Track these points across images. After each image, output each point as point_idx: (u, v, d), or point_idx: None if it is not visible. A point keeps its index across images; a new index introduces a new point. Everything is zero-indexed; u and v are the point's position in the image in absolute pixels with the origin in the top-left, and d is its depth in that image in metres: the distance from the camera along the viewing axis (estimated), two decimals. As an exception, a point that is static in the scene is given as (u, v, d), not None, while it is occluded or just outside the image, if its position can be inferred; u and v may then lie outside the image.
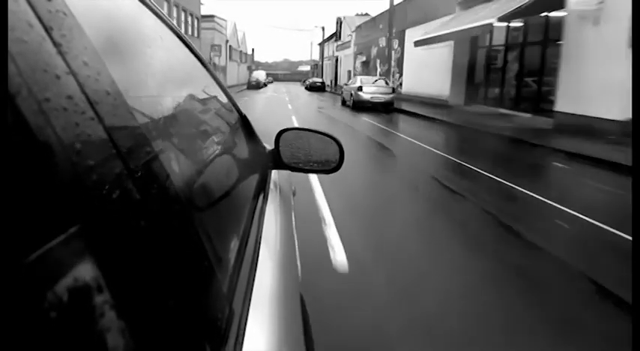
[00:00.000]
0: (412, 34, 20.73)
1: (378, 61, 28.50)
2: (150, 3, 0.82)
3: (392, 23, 21.55)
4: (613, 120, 8.39)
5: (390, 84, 17.84)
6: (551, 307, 2.60)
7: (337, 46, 46.82)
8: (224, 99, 1.23)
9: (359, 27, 35.29)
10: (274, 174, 1.47)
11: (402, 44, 21.49)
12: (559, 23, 10.62)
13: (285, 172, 1.59)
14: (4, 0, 0.30)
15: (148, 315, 0.37)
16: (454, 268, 3.13)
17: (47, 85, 0.32)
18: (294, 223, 1.41)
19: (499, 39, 14.93)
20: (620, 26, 8.22)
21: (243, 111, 1.45)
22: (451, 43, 16.53)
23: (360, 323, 2.36)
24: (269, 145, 1.50)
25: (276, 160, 1.41)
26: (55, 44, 0.35)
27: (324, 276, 2.90)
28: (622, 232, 3.69)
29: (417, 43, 16.64)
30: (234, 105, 1.34)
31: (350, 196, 5.21)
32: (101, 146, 0.37)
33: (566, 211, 4.39)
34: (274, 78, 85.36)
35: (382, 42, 27.52)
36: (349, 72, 39.18)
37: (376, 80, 17.87)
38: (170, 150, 0.59)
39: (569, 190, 5.59)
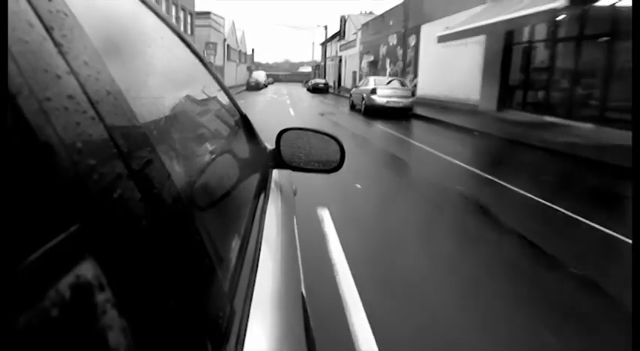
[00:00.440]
0: (429, 30, 18.30)
1: (388, 60, 26.08)
2: (150, 3, 0.81)
3: (408, 16, 19.08)
4: None
5: (408, 86, 15.38)
6: None
7: (341, 46, 44.43)
8: (225, 98, 1.23)
9: (365, 25, 32.88)
10: (275, 173, 1.47)
11: (416, 42, 19.02)
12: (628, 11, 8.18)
13: (286, 172, 1.57)
14: (5, 0, 0.30)
15: (149, 314, 0.37)
16: None
17: (48, 84, 0.32)
18: (295, 222, 1.40)
19: (543, 33, 12.49)
20: None
21: None
22: (482, 39, 14.10)
23: None
24: (270, 145, 1.49)
25: (277, 160, 1.41)
26: (56, 44, 0.35)
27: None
28: None
29: (442, 39, 14.18)
30: (235, 104, 1.34)
31: (373, 244, 3.55)
32: (102, 146, 0.36)
33: None
34: (275, 79, 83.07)
35: (393, 40, 25.11)
36: (354, 73, 36.74)
37: (390, 81, 15.43)
38: (171, 149, 0.59)
39: None
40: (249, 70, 63.54)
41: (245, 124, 1.33)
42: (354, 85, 18.65)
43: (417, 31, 20.22)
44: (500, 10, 11.54)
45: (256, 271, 0.75)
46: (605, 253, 3.43)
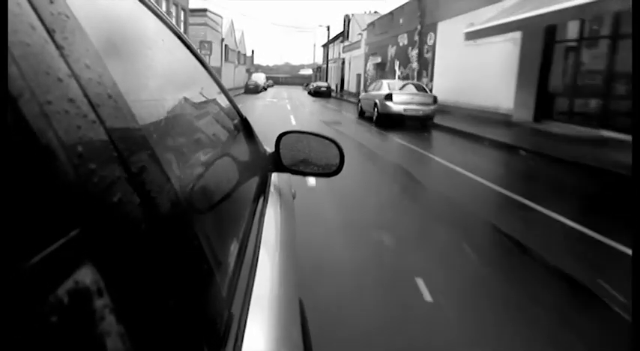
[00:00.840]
0: (448, 28, 16.21)
1: (397, 62, 23.99)
2: (152, 5, 0.81)
3: (424, 12, 16.97)
4: None
5: (428, 91, 13.25)
6: None
7: (344, 47, 42.39)
8: (225, 101, 1.23)
9: (371, 24, 30.83)
10: (274, 177, 1.48)
11: (434, 41, 16.91)
12: None
13: (286, 175, 1.60)
14: (5, 2, 0.30)
15: (148, 318, 0.37)
16: None
17: (49, 87, 0.32)
18: (294, 226, 1.38)
19: (598, 27, 10.39)
20: None
21: None
22: (516, 36, 12.01)
23: None
24: (269, 148, 1.49)
25: (276, 163, 1.41)
26: (58, 47, 0.35)
27: None
28: None
29: (470, 36, 12.06)
30: (235, 107, 1.34)
31: None
32: (102, 149, 0.37)
33: None
34: (275, 81, 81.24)
35: (403, 40, 23.04)
36: (358, 76, 34.68)
37: (405, 85, 13.32)
38: (171, 152, 0.59)
39: None
40: (249, 72, 61.54)
41: (245, 127, 1.33)
42: (364, 90, 16.55)
43: (433, 30, 18.14)
44: (538, 3, 9.42)
45: (255, 274, 0.75)
46: None
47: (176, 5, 25.71)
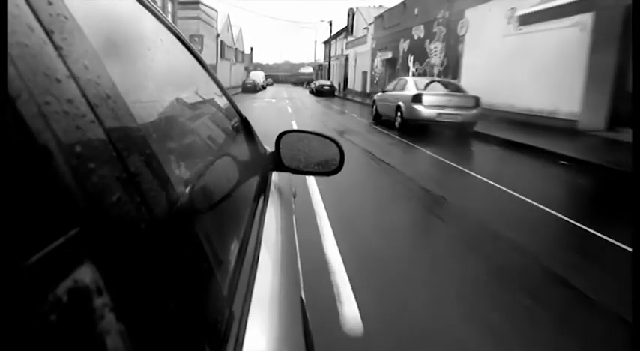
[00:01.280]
0: (480, 16, 13.46)
1: (412, 58, 21.26)
2: (150, 5, 0.81)
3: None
4: None
5: (467, 90, 10.52)
6: None
7: (348, 44, 39.66)
8: (224, 101, 1.23)
9: (379, 17, 28.08)
10: (275, 176, 1.48)
11: (464, 31, 14.09)
12: None
13: (286, 175, 1.57)
14: (4, 2, 0.30)
15: (148, 318, 0.37)
16: None
17: (48, 88, 0.32)
18: (294, 225, 1.39)
19: None
20: None
21: None
22: (586, 19, 9.29)
23: None
24: (270, 148, 1.49)
25: (276, 163, 1.41)
26: (56, 48, 0.35)
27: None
28: None
29: (525, 20, 9.30)
30: (235, 107, 1.33)
31: None
32: (101, 149, 0.37)
33: None
34: (274, 80, 78.59)
35: (419, 32, 20.31)
36: (364, 73, 31.94)
37: (430, 82, 10.60)
38: (170, 153, 0.59)
39: None
40: (247, 70, 58.79)
41: (245, 127, 1.33)
42: (381, 89, 13.82)
43: (459, 18, 15.39)
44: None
45: (255, 273, 0.75)
46: None
47: (162, -6, 22.98)
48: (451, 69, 16.13)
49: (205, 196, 0.72)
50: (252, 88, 39.46)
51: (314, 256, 3.03)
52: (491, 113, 12.19)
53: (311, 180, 5.17)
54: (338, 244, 3.28)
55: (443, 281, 2.79)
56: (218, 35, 37.63)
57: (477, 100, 9.88)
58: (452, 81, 11.38)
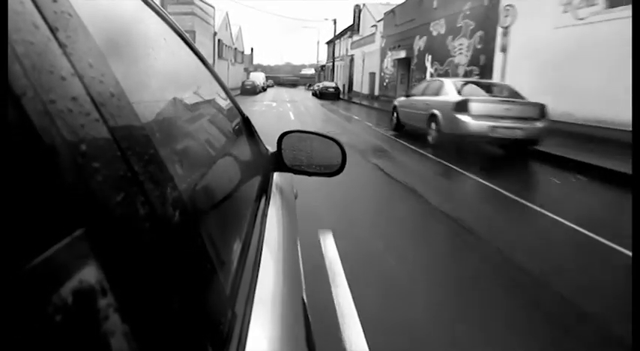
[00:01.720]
0: (530, 3, 11.00)
1: (430, 56, 18.85)
2: (154, 4, 0.82)
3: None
4: None
5: (525, 97, 8.04)
6: None
7: (353, 43, 37.30)
8: (226, 100, 1.24)
9: (390, 13, 25.69)
10: (276, 176, 1.46)
11: (509, 21, 11.49)
12: None
13: (288, 175, 1.56)
14: (5, 1, 0.30)
15: (151, 318, 0.37)
16: None
17: (52, 86, 0.32)
18: (296, 225, 1.39)
19: None
20: None
21: None
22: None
23: None
24: (271, 148, 1.48)
25: (278, 163, 1.41)
26: (61, 45, 0.35)
27: None
28: None
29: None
30: (237, 107, 1.34)
31: None
32: (106, 148, 0.37)
33: None
34: (275, 82, 76.30)
35: (439, 28, 17.90)
36: (372, 75, 29.54)
37: (467, 84, 8.20)
38: (174, 152, 0.60)
39: None
40: (247, 71, 56.40)
41: (247, 127, 1.34)
42: (406, 93, 11.32)
43: (495, 7, 12.92)
44: None
45: (257, 274, 0.75)
46: None
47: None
48: (484, 68, 13.67)
49: (208, 195, 0.72)
50: (252, 90, 37.06)
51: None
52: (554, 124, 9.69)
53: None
54: None
55: None
56: (215, 33, 35.29)
57: (542, 109, 7.45)
58: (500, 83, 8.92)
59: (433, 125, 8.24)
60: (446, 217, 4.12)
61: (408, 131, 10.28)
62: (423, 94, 9.38)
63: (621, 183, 5.43)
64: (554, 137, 7.92)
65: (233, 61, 45.34)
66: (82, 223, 0.30)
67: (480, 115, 7.25)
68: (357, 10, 36.41)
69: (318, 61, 69.55)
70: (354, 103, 26.34)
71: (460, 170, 6.23)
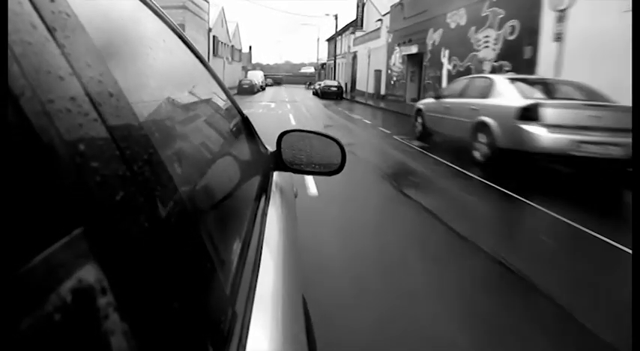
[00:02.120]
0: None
1: (447, 51, 16.78)
2: (152, 4, 0.82)
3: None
4: None
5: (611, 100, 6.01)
6: None
7: (356, 39, 35.21)
8: (225, 100, 1.24)
9: (398, 5, 23.58)
10: (276, 176, 1.46)
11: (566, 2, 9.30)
12: None
13: (287, 174, 1.56)
14: (5, 1, 0.30)
15: (151, 317, 0.37)
16: None
17: (51, 86, 0.32)
18: (296, 224, 1.39)
19: None
20: None
21: None
22: None
23: None
24: (271, 147, 1.48)
25: (277, 162, 1.41)
26: (59, 45, 0.35)
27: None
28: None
29: None
30: (236, 106, 1.34)
31: None
32: (104, 147, 0.37)
33: None
34: (274, 80, 74.03)
35: (458, 18, 15.83)
36: (378, 72, 27.46)
37: (521, 78, 6.15)
38: (172, 151, 0.59)
39: None
40: (245, 69, 54.22)
41: (246, 126, 1.33)
42: (435, 94, 9.13)
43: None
44: None
45: (257, 273, 0.75)
46: None
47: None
48: (519, 63, 11.58)
49: (207, 195, 0.72)
50: (250, 90, 34.96)
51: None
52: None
53: None
54: None
55: None
56: (210, 29, 33.20)
57: (643, 116, 5.40)
58: (571, 81, 6.82)
59: (482, 137, 6.20)
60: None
61: (438, 142, 8.23)
62: (461, 95, 7.32)
63: None
64: None
65: (230, 59, 43.18)
66: (80, 222, 0.30)
67: (558, 126, 5.21)
68: (361, 4, 34.28)
69: (318, 60, 67.37)
70: (358, 103, 24.26)
71: (548, 211, 4.16)
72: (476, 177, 5.60)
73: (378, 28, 28.45)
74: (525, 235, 3.82)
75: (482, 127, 6.19)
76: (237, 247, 0.74)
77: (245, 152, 1.21)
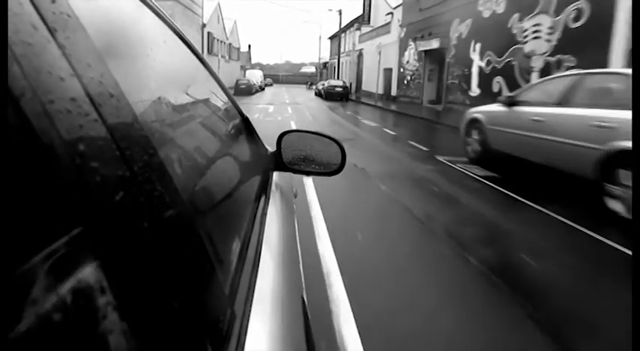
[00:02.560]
0: None
1: (479, 45, 14.13)
2: (153, 5, 0.82)
3: None
4: None
5: None
6: None
7: (362, 35, 32.56)
8: (226, 100, 1.23)
9: (413, -5, 20.89)
10: (276, 176, 1.45)
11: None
12: None
13: (287, 174, 1.55)
14: (5, 2, 0.30)
15: (150, 317, 0.38)
16: None
17: (51, 87, 0.32)
18: (295, 224, 1.37)
19: None
20: None
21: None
22: None
23: None
24: (271, 147, 1.48)
25: (277, 162, 1.40)
26: (59, 46, 0.35)
27: None
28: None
29: None
30: (236, 106, 1.33)
31: None
32: (104, 148, 0.37)
33: None
34: (274, 80, 71.48)
35: (493, 6, 13.17)
36: (388, 71, 24.78)
37: None
38: (173, 152, 0.59)
39: None
40: (243, 69, 51.50)
41: (246, 126, 1.32)
42: (508, 99, 6.27)
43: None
44: None
45: (257, 273, 0.75)
46: None
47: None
48: (587, 57, 8.91)
49: (207, 195, 0.72)
50: (247, 90, 32.29)
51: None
52: None
53: None
54: None
55: None
56: (204, 25, 30.57)
57: None
58: None
59: (625, 177, 3.56)
60: None
61: (513, 169, 5.59)
62: (565, 101, 4.69)
63: None
64: None
65: (227, 57, 40.54)
66: (80, 222, 0.30)
67: None
68: (368, -2, 31.63)
69: (320, 59, 64.64)
70: (367, 105, 21.63)
71: None
72: (611, 242, 2.96)
73: (388, 23, 25.78)
74: None
75: (624, 159, 3.56)
76: (236, 247, 0.74)
77: (245, 152, 1.22)
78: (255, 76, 40.47)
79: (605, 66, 8.25)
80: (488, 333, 2.14)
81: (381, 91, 25.60)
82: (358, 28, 34.56)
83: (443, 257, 3.05)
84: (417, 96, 20.42)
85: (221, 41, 37.69)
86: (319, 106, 21.11)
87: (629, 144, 3.59)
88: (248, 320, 0.59)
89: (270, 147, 1.46)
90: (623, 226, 3.56)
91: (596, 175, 3.98)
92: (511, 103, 5.75)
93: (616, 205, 3.76)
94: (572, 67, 9.31)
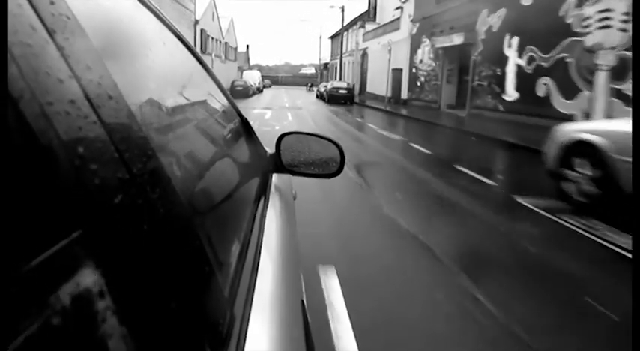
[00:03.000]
0: None
1: (517, 39, 11.79)
2: (152, 6, 0.81)
3: None
4: None
5: None
6: None
7: (367, 33, 30.25)
8: (225, 102, 1.23)
9: (428, -14, 18.54)
10: (275, 178, 1.45)
11: None
12: None
13: (286, 176, 1.57)
14: (4, 2, 0.30)
15: (150, 319, 0.37)
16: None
17: (50, 88, 0.32)
18: (295, 226, 1.37)
19: None
20: None
21: None
22: None
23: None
24: (270, 149, 1.48)
25: (276, 164, 1.41)
26: (58, 48, 0.35)
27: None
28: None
29: None
30: (235, 108, 1.33)
31: None
32: (103, 150, 0.37)
33: None
34: (273, 81, 69.06)
35: (538, -10, 10.82)
36: (398, 71, 22.40)
37: None
38: (172, 154, 0.59)
39: None
40: (241, 69, 49.13)
41: (245, 128, 1.32)
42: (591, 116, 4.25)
43: None
44: None
45: (256, 275, 0.75)
46: None
47: None
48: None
49: (206, 197, 0.71)
50: (244, 92, 29.95)
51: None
52: None
53: None
54: None
55: None
56: (196, 22, 28.23)
57: None
58: None
59: None
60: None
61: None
62: None
63: None
64: None
65: (223, 57, 38.19)
66: (79, 225, 0.30)
67: None
68: (374, -8, 29.29)
69: (320, 59, 62.32)
70: (376, 109, 19.32)
71: None
72: None
73: (397, 18, 23.42)
74: None
75: None
76: (235, 249, 0.74)
77: (244, 154, 1.21)
78: (252, 77, 38.10)
79: None
80: None
81: (388, 93, 23.23)
82: (362, 26, 32.23)
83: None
84: (433, 99, 18.08)
85: (216, 40, 35.33)
86: (322, 110, 18.80)
87: None
88: (247, 322, 0.59)
89: (270, 148, 1.46)
90: None
91: None
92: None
93: None
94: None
